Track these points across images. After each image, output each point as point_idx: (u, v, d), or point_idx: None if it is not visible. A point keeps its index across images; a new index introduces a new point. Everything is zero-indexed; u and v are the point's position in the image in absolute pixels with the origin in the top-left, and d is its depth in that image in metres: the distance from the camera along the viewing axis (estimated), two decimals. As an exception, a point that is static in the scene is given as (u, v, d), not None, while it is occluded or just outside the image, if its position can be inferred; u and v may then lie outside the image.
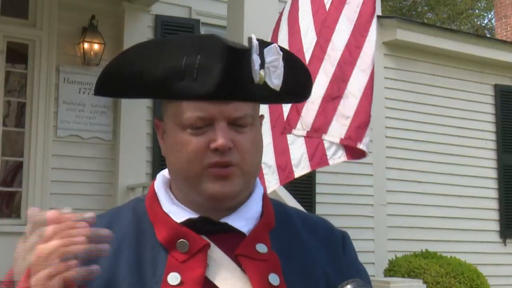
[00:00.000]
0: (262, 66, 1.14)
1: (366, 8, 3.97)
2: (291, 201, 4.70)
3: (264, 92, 1.16)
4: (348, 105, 3.92)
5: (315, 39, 4.16)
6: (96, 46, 6.23)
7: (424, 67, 8.24)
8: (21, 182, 6.08)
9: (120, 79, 1.16)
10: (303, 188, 7.10)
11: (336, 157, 4.02)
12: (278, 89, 1.17)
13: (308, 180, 7.22)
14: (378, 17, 8.01)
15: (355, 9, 4.01)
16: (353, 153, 4.00)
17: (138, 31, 6.41)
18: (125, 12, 6.45)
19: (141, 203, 1.21)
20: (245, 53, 1.11)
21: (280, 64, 1.16)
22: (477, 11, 23.76)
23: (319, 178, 7.31)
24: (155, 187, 1.22)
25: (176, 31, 6.55)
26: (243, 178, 1.14)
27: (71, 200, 6.05)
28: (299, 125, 4.01)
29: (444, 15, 22.37)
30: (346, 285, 1.02)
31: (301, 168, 4.18)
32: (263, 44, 1.15)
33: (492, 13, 20.61)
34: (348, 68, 3.98)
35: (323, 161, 4.06)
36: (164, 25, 6.64)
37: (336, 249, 1.23)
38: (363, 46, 3.95)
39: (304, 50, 4.19)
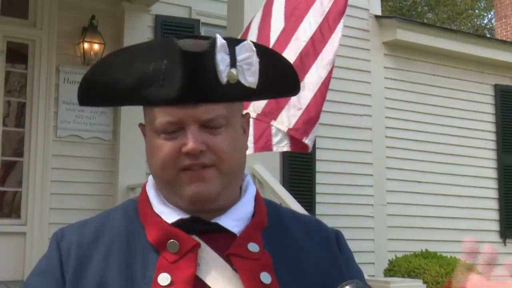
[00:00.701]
0: (233, 64, 1.12)
1: (336, 6, 4.01)
2: (291, 201, 4.69)
3: (239, 91, 1.14)
4: (302, 97, 3.92)
5: (282, 25, 4.18)
6: (96, 46, 6.24)
7: (424, 67, 8.24)
8: (21, 182, 6.08)
9: (95, 89, 1.16)
10: (303, 188, 7.11)
11: (281, 145, 4.03)
12: (254, 86, 1.15)
13: (308, 180, 7.22)
14: (378, 17, 8.04)
15: (326, 3, 4.04)
16: (297, 145, 4.00)
17: (138, 31, 6.41)
18: (125, 12, 6.45)
19: (133, 205, 1.22)
20: (206, 54, 1.09)
21: (255, 60, 1.14)
22: (477, 11, 23.76)
23: (319, 178, 7.31)
24: (147, 188, 1.23)
25: (176, 31, 6.54)
26: (221, 179, 1.13)
27: (71, 200, 6.05)
28: (250, 107, 4.01)
29: (444, 15, 22.37)
30: (346, 285, 1.02)
31: None
32: (234, 42, 1.14)
33: (492, 13, 20.61)
34: (309, 60, 3.99)
35: (267, 146, 4.07)
36: (164, 25, 6.64)
37: (331, 248, 1.23)
38: (327, 42, 3.97)
39: (270, 36, 4.21)
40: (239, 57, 1.13)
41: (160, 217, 1.15)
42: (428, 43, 8.09)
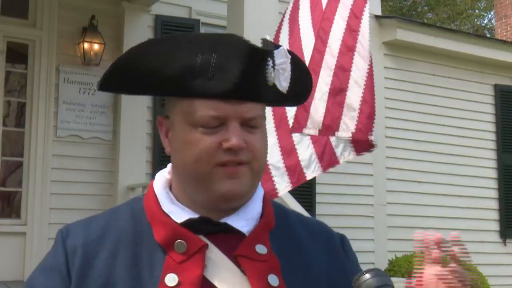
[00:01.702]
0: (273, 68, 1.14)
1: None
2: (291, 202, 4.69)
3: (272, 94, 1.16)
4: (354, 95, 3.86)
5: (313, 33, 4.14)
6: (96, 46, 6.23)
7: (424, 67, 8.24)
8: (21, 182, 6.08)
9: (132, 74, 1.13)
10: (303, 188, 7.09)
11: (345, 154, 3.97)
12: (285, 91, 1.17)
13: (308, 180, 7.22)
14: (378, 17, 8.04)
15: (348, 2, 4.02)
16: (361, 147, 3.94)
17: (138, 31, 6.41)
18: (125, 12, 6.45)
19: (140, 203, 1.20)
20: (265, 54, 1.11)
21: (288, 67, 1.17)
22: (477, 11, 23.75)
23: (319, 178, 7.31)
24: (154, 187, 1.21)
25: (176, 31, 6.54)
26: (252, 178, 1.14)
27: (71, 200, 6.05)
28: (309, 124, 3.95)
29: (444, 15, 22.36)
30: (366, 273, 1.02)
31: (312, 169, 4.12)
32: (272, 47, 1.16)
33: (492, 13, 20.61)
34: (349, 55, 3.95)
35: (333, 160, 4.01)
36: (164, 25, 6.64)
37: (337, 251, 1.24)
38: (359, 29, 3.94)
39: (303, 46, 4.17)
40: (277, 61, 1.15)
41: (168, 216, 1.15)
42: (428, 43, 8.09)
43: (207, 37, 1.13)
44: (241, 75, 1.09)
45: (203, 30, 6.86)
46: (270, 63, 1.12)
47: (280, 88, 1.16)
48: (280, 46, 1.18)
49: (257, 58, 1.10)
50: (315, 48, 4.08)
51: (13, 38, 6.18)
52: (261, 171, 1.17)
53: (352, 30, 3.96)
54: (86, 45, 6.20)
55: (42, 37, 6.19)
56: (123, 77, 1.14)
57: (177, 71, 1.10)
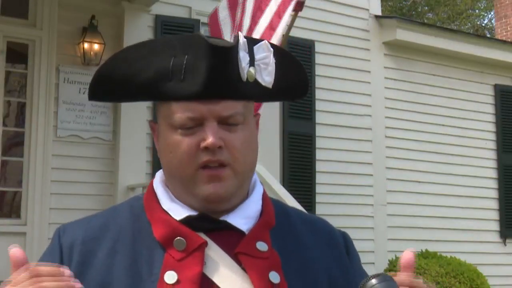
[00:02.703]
0: (252, 63, 1.13)
1: (283, 5, 4.13)
2: (291, 201, 4.70)
3: (256, 90, 1.15)
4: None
5: (249, 22, 4.32)
6: (96, 46, 6.23)
7: (424, 67, 8.24)
8: (21, 182, 6.08)
9: (110, 83, 1.15)
10: (303, 188, 7.11)
11: None
12: (270, 86, 1.16)
13: (308, 180, 7.22)
14: (378, 17, 8.04)
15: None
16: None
17: (138, 31, 6.41)
18: (125, 12, 6.45)
19: (139, 201, 1.21)
20: (231, 50, 1.10)
21: (271, 61, 1.16)
22: (477, 11, 23.75)
23: (319, 178, 7.31)
24: (154, 185, 1.22)
25: (176, 31, 6.54)
26: (236, 180, 1.14)
27: (71, 200, 6.05)
28: None
29: (444, 15, 22.36)
30: (372, 279, 1.00)
31: None
32: (252, 42, 1.15)
33: (492, 13, 20.60)
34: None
35: None
36: (164, 25, 6.64)
37: (339, 250, 1.23)
38: (276, 28, 4.12)
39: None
40: (257, 56, 1.14)
41: (167, 214, 1.15)
42: (428, 43, 8.09)
43: (180, 39, 1.13)
44: (207, 74, 1.08)
45: (203, 30, 6.85)
46: (244, 58, 1.11)
47: (263, 83, 1.15)
48: (262, 40, 1.17)
49: (221, 55, 1.09)
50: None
51: (13, 38, 6.18)
52: (245, 172, 1.16)
53: (271, 28, 4.09)
54: (86, 45, 6.20)
55: (42, 37, 6.19)
56: (104, 86, 1.16)
57: (152, 75, 1.11)
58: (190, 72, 1.09)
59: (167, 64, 1.10)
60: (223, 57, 1.09)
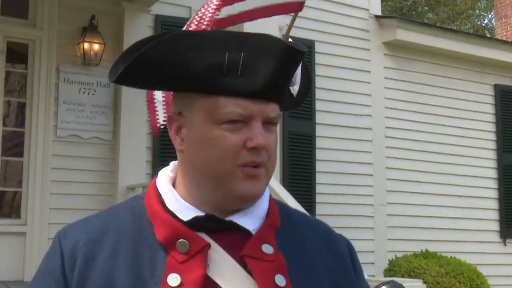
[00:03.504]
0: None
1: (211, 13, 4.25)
2: (291, 201, 4.70)
3: (284, 95, 1.17)
4: None
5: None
6: (96, 46, 6.23)
7: (424, 67, 8.24)
8: (21, 182, 6.08)
9: (152, 67, 1.10)
10: (303, 188, 7.11)
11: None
12: (294, 94, 1.20)
13: (308, 180, 7.22)
14: (378, 17, 8.05)
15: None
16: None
17: (138, 31, 6.41)
18: (125, 12, 6.45)
19: (140, 201, 1.19)
20: (297, 55, 1.11)
21: (299, 70, 1.19)
22: (477, 11, 23.75)
23: (319, 178, 7.31)
24: (158, 184, 1.19)
25: (176, 31, 6.54)
26: (267, 179, 1.14)
27: (71, 200, 6.05)
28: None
29: (444, 15, 22.36)
30: (382, 286, 1.00)
31: None
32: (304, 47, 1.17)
33: (492, 13, 20.61)
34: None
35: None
36: (164, 25, 6.64)
37: (343, 257, 1.22)
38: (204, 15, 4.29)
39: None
40: None
41: (170, 214, 1.13)
42: (428, 43, 8.09)
43: (231, 35, 1.11)
44: (273, 75, 1.08)
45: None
46: (300, 64, 1.12)
47: (292, 91, 1.18)
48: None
49: (290, 59, 1.10)
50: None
51: (13, 38, 6.18)
52: (273, 171, 1.16)
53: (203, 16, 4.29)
54: (86, 45, 6.20)
55: (42, 37, 6.19)
56: (143, 69, 1.11)
57: (205, 68, 1.08)
58: (249, 70, 1.08)
59: (221, 58, 1.08)
60: (291, 60, 1.10)
